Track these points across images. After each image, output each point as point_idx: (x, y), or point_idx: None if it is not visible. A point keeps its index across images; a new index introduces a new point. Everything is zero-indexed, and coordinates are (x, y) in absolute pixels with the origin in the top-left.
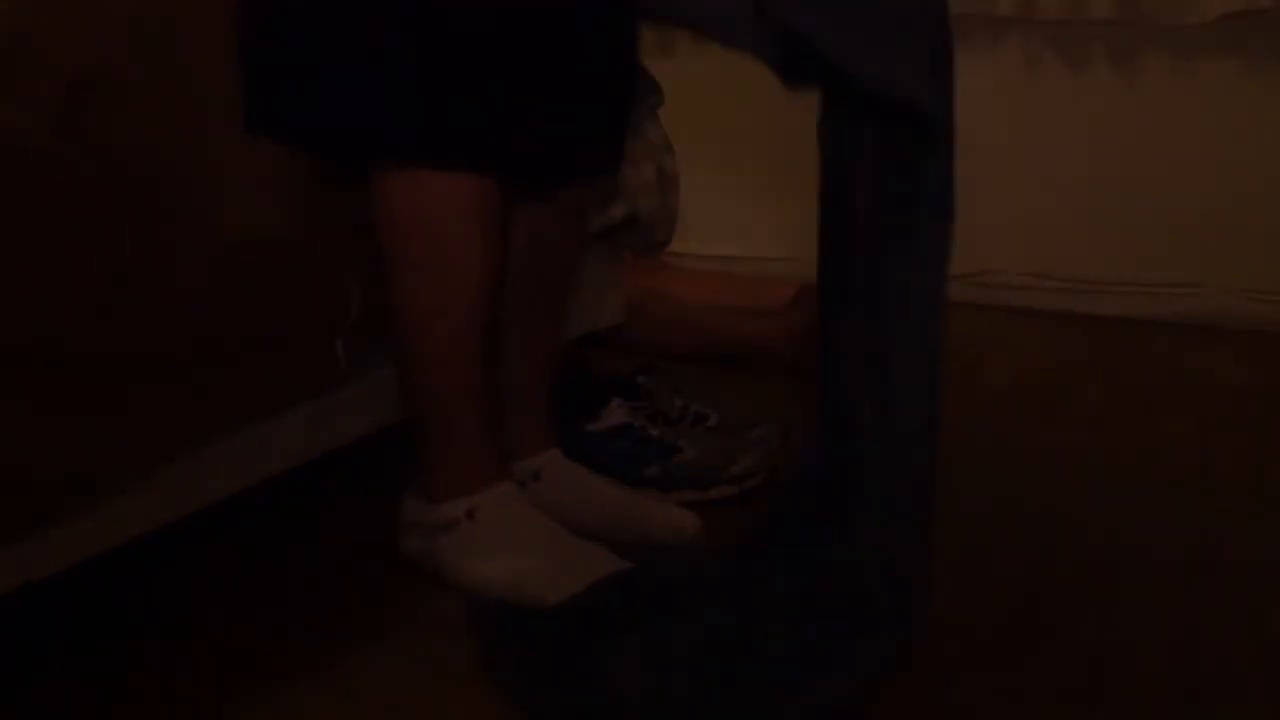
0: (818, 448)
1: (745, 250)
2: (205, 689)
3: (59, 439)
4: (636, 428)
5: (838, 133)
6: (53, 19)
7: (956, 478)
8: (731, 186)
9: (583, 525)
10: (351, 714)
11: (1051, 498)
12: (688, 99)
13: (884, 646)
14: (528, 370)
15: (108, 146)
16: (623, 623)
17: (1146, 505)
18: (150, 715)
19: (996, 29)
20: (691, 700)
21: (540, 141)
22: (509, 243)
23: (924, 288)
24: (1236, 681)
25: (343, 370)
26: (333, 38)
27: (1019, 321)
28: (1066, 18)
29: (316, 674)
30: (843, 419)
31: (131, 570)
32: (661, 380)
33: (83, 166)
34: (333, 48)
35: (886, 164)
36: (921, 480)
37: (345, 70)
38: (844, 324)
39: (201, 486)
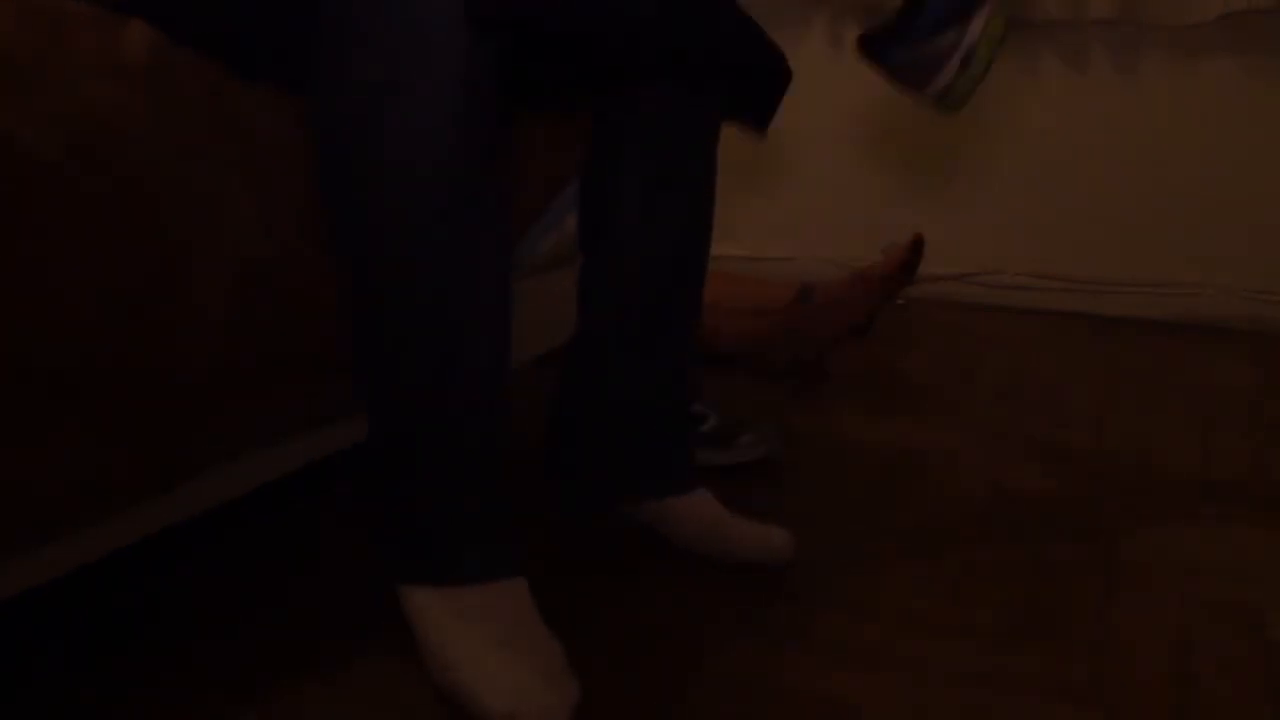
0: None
1: (745, 250)
2: (205, 689)
3: (65, 455)
4: None
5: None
6: (67, 41)
7: (957, 477)
8: (732, 186)
9: (677, 537)
10: (351, 714)
11: (1051, 497)
12: None
13: None
14: None
15: (121, 165)
16: None
17: (1147, 505)
18: (150, 715)
19: None
20: None
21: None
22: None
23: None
24: (1236, 681)
25: (357, 398)
26: None
27: (1019, 321)
28: (1066, 18)
29: (316, 674)
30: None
31: (131, 571)
32: None
33: (94, 185)
34: None
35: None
36: None
37: None
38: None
39: (202, 492)
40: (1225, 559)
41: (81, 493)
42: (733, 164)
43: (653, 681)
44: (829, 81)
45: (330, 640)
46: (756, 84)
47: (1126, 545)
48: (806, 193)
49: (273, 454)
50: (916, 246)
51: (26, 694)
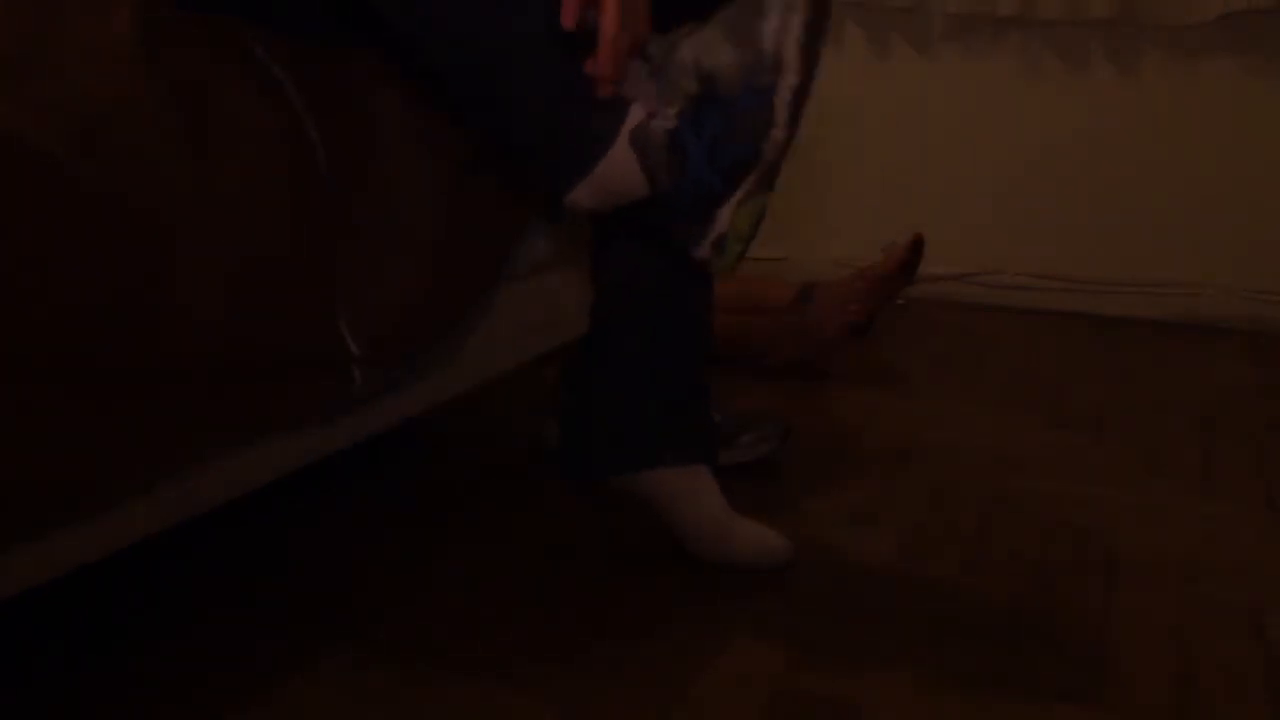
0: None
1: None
2: (205, 688)
3: (62, 453)
4: None
5: None
6: (58, 27)
7: (957, 477)
8: None
9: (677, 527)
10: (353, 712)
11: (1051, 498)
12: None
13: None
14: None
15: (117, 156)
16: None
17: (1146, 505)
18: (149, 715)
19: (996, 29)
20: None
21: None
22: None
23: None
24: (1236, 681)
25: (357, 398)
26: None
27: (1019, 321)
28: (1066, 18)
29: (318, 673)
30: None
31: (130, 570)
32: None
33: (90, 176)
34: None
35: None
36: None
37: None
38: None
39: (202, 491)
40: (1225, 559)
41: (79, 491)
42: None
43: (653, 681)
44: (829, 82)
45: (331, 640)
46: None
47: (1126, 545)
48: (806, 193)
49: (272, 454)
50: (916, 246)
51: (26, 694)
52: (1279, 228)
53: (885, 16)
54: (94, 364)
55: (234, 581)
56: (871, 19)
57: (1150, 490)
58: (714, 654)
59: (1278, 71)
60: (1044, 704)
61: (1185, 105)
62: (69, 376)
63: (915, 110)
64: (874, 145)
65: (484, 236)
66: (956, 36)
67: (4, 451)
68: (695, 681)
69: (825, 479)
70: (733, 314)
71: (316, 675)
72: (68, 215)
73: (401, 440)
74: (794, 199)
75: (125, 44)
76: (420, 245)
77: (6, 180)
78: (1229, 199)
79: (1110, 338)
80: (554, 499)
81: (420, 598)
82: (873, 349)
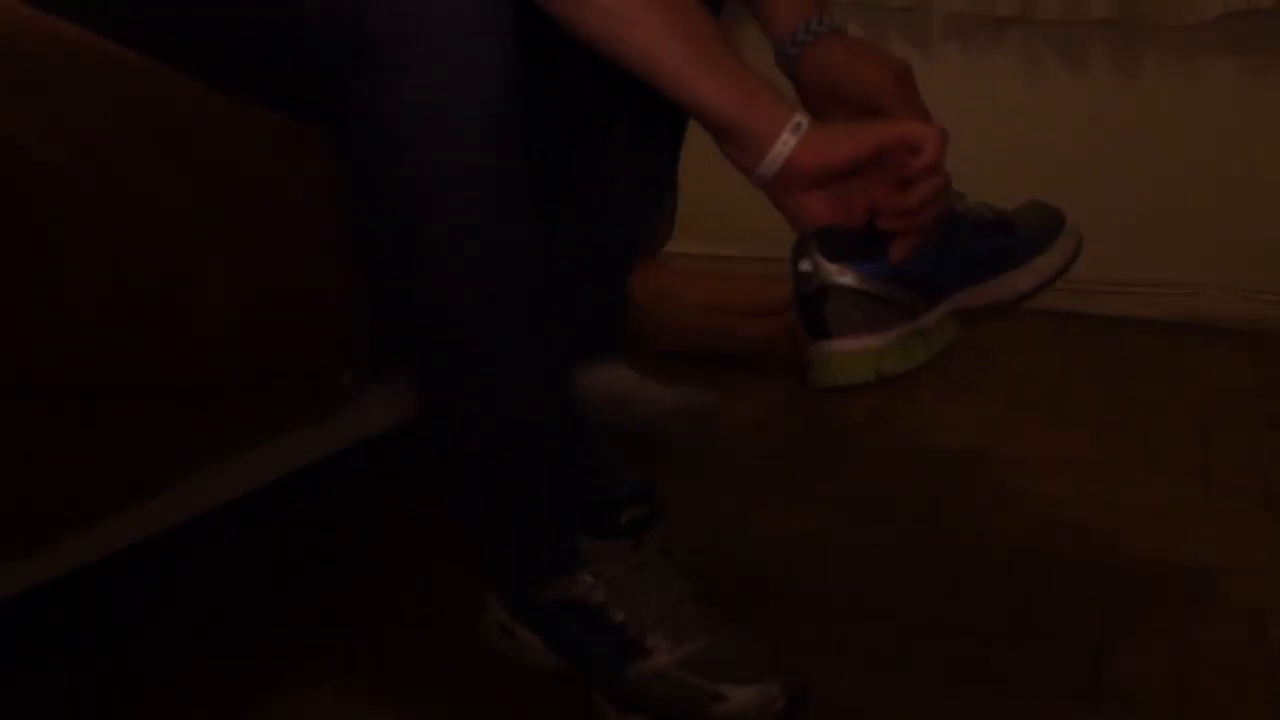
0: None
1: (745, 250)
2: (205, 689)
3: (63, 462)
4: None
5: None
6: (69, 46)
7: (957, 477)
8: (732, 186)
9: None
10: (353, 712)
11: (1051, 498)
12: None
13: None
14: None
15: (121, 168)
16: None
17: (1146, 505)
18: (150, 715)
19: (996, 29)
20: None
21: None
22: None
23: None
24: (1236, 681)
25: (348, 398)
26: None
27: (1019, 321)
28: (1066, 18)
29: (317, 673)
30: None
31: (131, 571)
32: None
33: (99, 190)
34: None
35: None
36: None
37: None
38: None
39: (202, 491)
40: (1225, 559)
41: (79, 499)
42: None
43: None
44: None
45: (331, 640)
46: None
47: (1126, 545)
48: None
49: (272, 454)
50: None
51: (26, 694)
52: (1279, 228)
53: (885, 16)
54: (95, 381)
55: (234, 582)
56: (871, 19)
57: (1150, 490)
58: None
59: (1278, 71)
60: (1044, 704)
61: (1185, 105)
62: (68, 393)
63: None
64: None
65: None
66: (956, 36)
67: (9, 464)
68: None
69: (825, 479)
70: (732, 314)
71: (316, 678)
72: (73, 227)
73: (401, 440)
74: None
75: (132, 59)
76: None
77: (11, 189)
78: (1229, 199)
79: (1110, 338)
80: None
81: (421, 600)
82: None
